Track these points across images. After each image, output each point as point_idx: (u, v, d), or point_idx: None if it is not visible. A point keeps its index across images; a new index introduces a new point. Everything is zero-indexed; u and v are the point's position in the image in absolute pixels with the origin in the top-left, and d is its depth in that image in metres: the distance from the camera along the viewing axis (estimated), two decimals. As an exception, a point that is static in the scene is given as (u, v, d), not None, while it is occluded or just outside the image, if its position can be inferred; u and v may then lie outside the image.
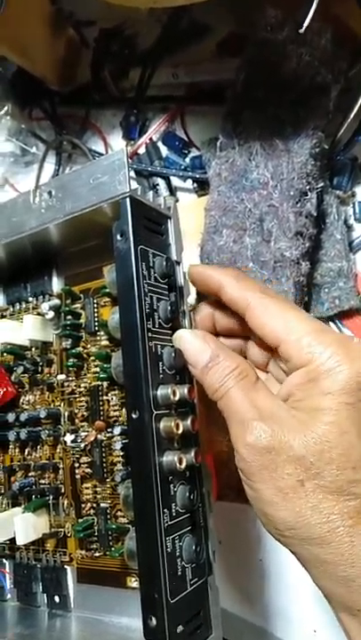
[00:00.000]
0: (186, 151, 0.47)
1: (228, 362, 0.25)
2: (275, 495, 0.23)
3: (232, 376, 0.25)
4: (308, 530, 0.22)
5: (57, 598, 0.32)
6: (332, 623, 0.36)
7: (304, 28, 0.26)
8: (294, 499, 0.22)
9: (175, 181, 0.47)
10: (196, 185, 0.45)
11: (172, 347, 0.27)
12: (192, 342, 0.27)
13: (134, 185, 0.27)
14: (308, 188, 0.34)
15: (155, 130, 0.48)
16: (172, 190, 0.46)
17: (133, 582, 0.30)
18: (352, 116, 0.37)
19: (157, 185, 0.47)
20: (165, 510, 0.24)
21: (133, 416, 0.25)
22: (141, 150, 0.48)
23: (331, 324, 0.38)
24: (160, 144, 0.48)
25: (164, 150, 0.48)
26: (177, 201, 0.46)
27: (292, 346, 0.24)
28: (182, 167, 0.46)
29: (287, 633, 0.37)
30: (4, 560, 0.35)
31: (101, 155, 0.50)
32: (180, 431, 0.25)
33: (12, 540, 0.33)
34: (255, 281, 0.27)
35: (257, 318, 0.26)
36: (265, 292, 0.26)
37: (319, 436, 0.22)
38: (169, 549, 0.24)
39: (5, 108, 0.55)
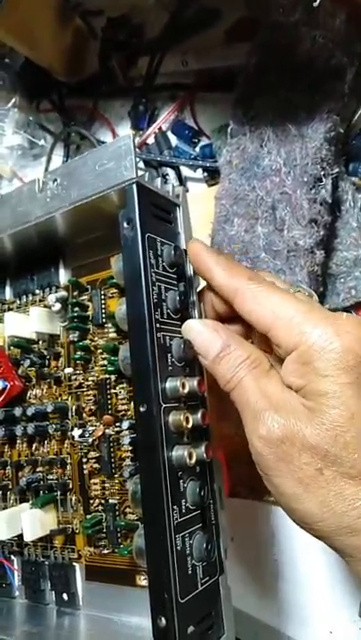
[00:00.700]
0: (196, 140, 0.46)
1: (239, 351, 0.25)
2: (296, 487, 0.22)
3: (244, 365, 0.24)
4: (336, 519, 0.21)
5: (65, 596, 0.32)
6: (349, 624, 0.35)
7: (318, 2, 0.24)
8: (316, 489, 0.22)
9: (185, 171, 0.46)
10: (206, 174, 0.44)
11: (182, 338, 0.26)
12: (202, 332, 0.26)
13: (141, 171, 0.26)
14: (322, 173, 0.33)
15: (164, 119, 0.47)
16: (182, 180, 0.46)
17: (143, 580, 0.29)
18: (368, 99, 0.35)
19: (167, 175, 0.46)
20: (175, 507, 0.24)
21: (141, 409, 0.24)
22: (150, 140, 0.47)
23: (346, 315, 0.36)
24: (169, 133, 0.47)
25: (173, 140, 0.47)
26: (187, 190, 0.45)
27: (280, 330, 0.24)
28: (192, 156, 0.45)
29: (303, 634, 0.36)
30: (12, 556, 0.35)
31: (109, 146, 0.50)
32: (189, 425, 0.24)
33: (20, 537, 0.32)
34: (244, 268, 0.26)
35: (245, 306, 0.25)
36: (253, 279, 0.25)
37: (329, 421, 0.22)
38: (179, 547, 0.23)
39: (13, 101, 0.54)
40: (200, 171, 0.45)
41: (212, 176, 0.44)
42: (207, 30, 0.46)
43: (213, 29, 0.45)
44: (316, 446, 0.22)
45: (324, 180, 0.33)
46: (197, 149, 0.45)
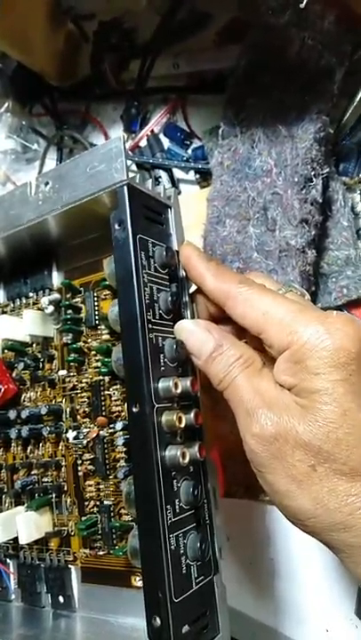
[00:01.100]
0: (188, 142, 0.46)
1: (232, 350, 0.25)
2: (289, 484, 0.22)
3: (237, 364, 0.24)
4: (329, 516, 0.21)
5: (61, 598, 0.32)
6: (345, 622, 0.35)
7: (304, 3, 0.25)
8: (309, 485, 0.22)
9: (177, 173, 0.46)
10: (198, 176, 0.44)
11: (174, 338, 0.26)
12: (194, 332, 0.26)
13: (132, 173, 0.27)
14: (312, 173, 0.33)
15: (156, 122, 0.47)
16: (175, 182, 0.46)
17: (138, 581, 0.29)
18: (357, 99, 0.36)
19: (160, 177, 0.46)
20: (168, 507, 0.24)
21: (134, 410, 0.24)
22: (143, 143, 0.48)
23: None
24: (162, 136, 0.47)
25: (165, 142, 0.47)
26: (179, 193, 0.45)
27: (272, 331, 0.24)
28: (184, 158, 0.45)
29: (299, 633, 0.36)
30: (8, 560, 0.35)
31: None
32: (182, 425, 0.25)
33: (16, 540, 0.32)
34: (234, 272, 0.27)
35: (236, 310, 0.25)
36: (243, 283, 0.26)
37: (322, 418, 0.22)
38: (173, 547, 0.23)
39: (6, 105, 0.55)
40: (192, 173, 0.45)
41: (205, 178, 0.44)
42: (198, 33, 0.46)
43: (204, 32, 0.46)
44: (309, 443, 0.22)
45: (314, 180, 0.33)
46: (190, 151, 0.46)
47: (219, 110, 0.43)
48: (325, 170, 0.34)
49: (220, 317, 0.29)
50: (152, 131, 0.47)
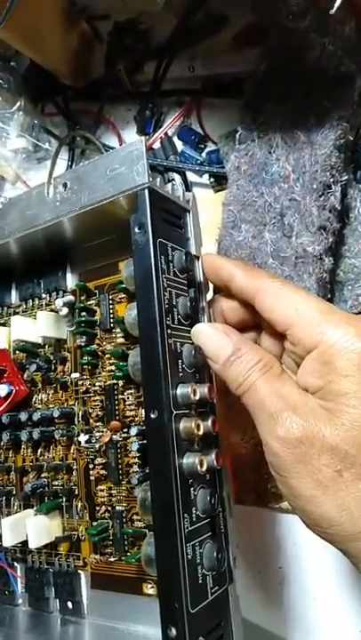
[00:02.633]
0: (202, 145, 0.46)
1: (251, 354, 0.25)
2: (313, 489, 0.22)
3: (256, 369, 0.24)
4: (354, 524, 0.21)
5: (70, 604, 0.31)
6: (354, 633, 0.34)
7: (335, 8, 0.24)
8: (335, 491, 0.21)
9: (191, 177, 0.46)
10: (212, 180, 0.44)
11: (192, 344, 0.26)
12: (212, 336, 0.26)
13: (152, 176, 0.26)
14: (331, 180, 0.33)
15: (170, 124, 0.47)
16: (188, 185, 0.45)
17: (150, 589, 0.28)
18: (377, 107, 0.35)
19: (173, 180, 0.46)
20: (186, 515, 0.23)
21: (152, 416, 0.24)
22: (156, 145, 0.47)
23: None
24: (175, 139, 0.47)
25: (179, 145, 0.47)
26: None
27: (301, 328, 0.24)
28: (198, 162, 0.45)
29: (307, 643, 0.36)
30: (16, 563, 0.34)
31: (115, 150, 0.49)
32: (200, 432, 0.24)
33: (24, 543, 0.32)
34: (263, 270, 0.27)
35: (266, 303, 0.25)
36: (274, 278, 0.26)
37: (350, 421, 0.21)
38: (189, 556, 0.23)
39: (18, 104, 0.54)
40: (206, 176, 0.45)
41: (219, 182, 0.44)
42: (214, 36, 0.46)
43: (221, 35, 0.45)
44: (336, 447, 0.21)
45: (333, 187, 0.33)
46: (204, 155, 0.45)
47: (234, 114, 0.43)
48: (344, 177, 0.34)
49: (237, 325, 0.29)
50: (166, 133, 0.47)
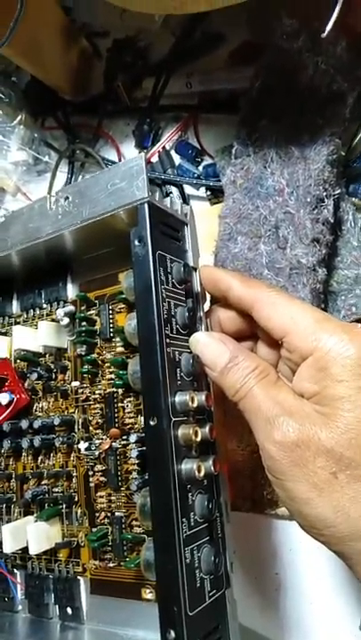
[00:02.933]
0: (199, 159, 0.47)
1: (247, 362, 0.25)
2: (309, 491, 0.22)
3: (253, 375, 0.25)
4: (349, 525, 0.22)
5: (69, 610, 0.32)
6: (350, 637, 0.35)
7: (326, 32, 0.26)
8: (330, 492, 0.22)
9: (188, 190, 0.47)
10: (209, 193, 0.45)
11: (190, 353, 0.27)
12: (210, 345, 0.27)
13: (151, 191, 0.27)
14: (324, 194, 0.34)
15: (168, 138, 0.48)
16: (186, 198, 0.46)
17: (148, 594, 0.29)
18: (368, 123, 0.37)
19: (171, 193, 0.47)
20: (184, 520, 0.24)
21: (151, 423, 0.24)
22: (154, 159, 0.48)
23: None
24: (173, 152, 0.48)
25: (176, 159, 0.48)
26: (190, 209, 0.46)
27: (297, 336, 0.24)
28: (195, 175, 0.46)
29: (304, 648, 0.36)
30: (15, 570, 0.35)
31: (114, 163, 0.51)
32: (198, 439, 0.25)
33: (24, 550, 0.33)
34: (260, 280, 0.28)
35: (263, 312, 0.26)
36: (271, 287, 0.27)
37: (344, 424, 0.22)
38: (188, 560, 0.24)
39: (19, 118, 0.55)
40: (203, 189, 0.46)
41: (216, 195, 0.45)
42: (211, 54, 0.47)
43: (217, 53, 0.47)
44: (331, 450, 0.22)
45: (326, 200, 0.34)
46: (200, 168, 0.46)
47: (230, 129, 0.44)
48: (337, 191, 0.35)
49: (234, 335, 0.30)
50: (164, 147, 0.48)
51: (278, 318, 0.25)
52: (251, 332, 0.29)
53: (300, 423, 0.23)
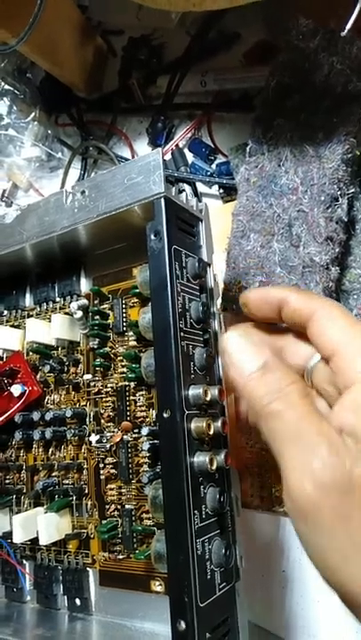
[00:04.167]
0: (212, 158, 0.47)
1: (285, 375, 0.22)
2: (348, 549, 0.18)
3: (290, 390, 0.21)
4: None
5: (78, 601, 0.32)
6: (355, 636, 0.35)
7: (346, 31, 0.26)
8: None
9: (201, 188, 0.47)
10: (222, 191, 0.45)
11: (204, 347, 0.27)
12: (242, 344, 0.23)
13: (168, 186, 0.28)
14: (339, 193, 0.34)
15: (181, 136, 0.48)
16: (198, 196, 0.47)
17: (157, 586, 0.29)
18: (383, 123, 0.37)
19: (183, 191, 0.47)
20: (196, 512, 0.24)
21: (165, 415, 0.25)
22: (167, 157, 0.49)
23: (358, 330, 0.37)
24: (186, 150, 0.48)
25: (189, 157, 0.48)
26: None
27: (345, 359, 0.22)
28: (208, 173, 0.46)
29: (309, 646, 0.36)
30: (25, 561, 0.35)
31: (127, 160, 0.51)
32: (211, 432, 0.25)
33: (33, 541, 0.33)
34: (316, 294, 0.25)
35: (320, 324, 0.23)
36: (333, 303, 0.24)
37: None
38: (199, 552, 0.24)
39: (33, 114, 0.56)
40: (215, 187, 0.46)
41: (228, 193, 0.45)
42: (226, 53, 0.47)
43: (232, 52, 0.47)
44: None
45: (340, 199, 0.34)
46: (213, 166, 0.47)
47: (244, 128, 0.44)
48: (351, 190, 0.35)
49: None
50: (177, 145, 0.48)
51: (332, 335, 0.23)
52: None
53: (348, 459, 0.19)
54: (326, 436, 0.20)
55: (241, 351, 0.23)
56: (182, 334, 0.26)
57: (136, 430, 0.31)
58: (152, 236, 0.27)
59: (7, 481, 0.36)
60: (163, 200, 0.27)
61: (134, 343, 0.32)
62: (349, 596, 0.19)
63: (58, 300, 0.36)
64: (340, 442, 0.20)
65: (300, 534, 0.20)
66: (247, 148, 0.39)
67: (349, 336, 0.22)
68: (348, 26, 0.26)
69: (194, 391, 0.25)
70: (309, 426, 0.20)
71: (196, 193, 0.47)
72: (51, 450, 0.35)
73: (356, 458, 0.19)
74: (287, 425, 0.20)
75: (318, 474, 0.19)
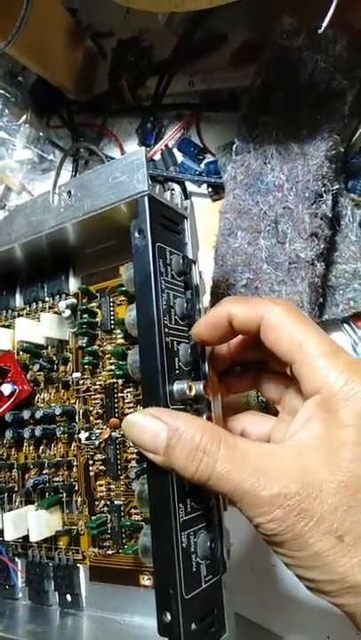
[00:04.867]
0: (201, 157, 0.47)
1: (191, 430, 0.22)
2: (315, 561, 0.20)
3: (206, 446, 0.21)
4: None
5: (69, 597, 0.32)
6: (346, 630, 0.35)
7: (323, 28, 0.26)
8: (336, 559, 0.20)
9: (190, 187, 0.47)
10: (210, 190, 0.46)
11: (188, 343, 0.27)
12: (143, 423, 0.23)
13: (152, 185, 0.28)
14: (323, 189, 0.34)
15: (170, 136, 0.49)
16: (187, 195, 0.47)
17: (146, 580, 0.29)
18: (367, 120, 0.37)
19: (173, 190, 0.47)
20: (181, 505, 0.24)
21: (149, 410, 0.25)
22: (157, 157, 0.49)
23: (345, 325, 0.38)
24: (175, 150, 0.49)
25: (179, 157, 0.49)
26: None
27: (305, 367, 0.23)
28: (197, 172, 0.46)
29: (301, 639, 0.36)
30: (16, 558, 0.35)
31: (117, 161, 0.51)
32: (195, 426, 0.25)
33: (24, 539, 0.33)
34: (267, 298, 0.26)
35: (270, 334, 0.24)
36: (276, 303, 0.24)
37: (347, 477, 0.20)
38: (184, 544, 0.24)
39: (24, 117, 0.56)
40: (205, 186, 0.47)
41: (217, 191, 0.45)
42: (214, 53, 0.48)
43: (219, 52, 0.48)
44: (335, 510, 0.20)
45: (324, 195, 0.35)
46: (202, 166, 0.47)
47: (232, 127, 0.45)
48: (335, 186, 0.35)
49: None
50: (166, 145, 0.49)
51: (286, 343, 0.23)
52: (257, 359, 0.28)
53: (297, 484, 0.20)
54: (262, 471, 0.21)
55: (144, 434, 0.23)
56: (167, 330, 0.26)
57: (124, 426, 0.31)
58: (136, 234, 0.27)
59: (-1, 479, 0.37)
60: (146, 198, 0.27)
61: (122, 341, 0.32)
62: (332, 599, 0.22)
63: (47, 299, 0.36)
64: (277, 466, 0.21)
65: (279, 556, 0.22)
66: (234, 147, 0.40)
67: (303, 344, 0.23)
68: (325, 24, 0.26)
69: (178, 386, 0.26)
70: (241, 473, 0.21)
71: (185, 192, 0.47)
72: (41, 448, 0.35)
73: (306, 472, 0.21)
74: (223, 482, 0.21)
75: (271, 513, 0.20)
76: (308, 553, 0.20)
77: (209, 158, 0.47)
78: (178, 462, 0.22)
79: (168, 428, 0.22)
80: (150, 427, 0.22)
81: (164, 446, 0.22)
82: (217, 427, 0.23)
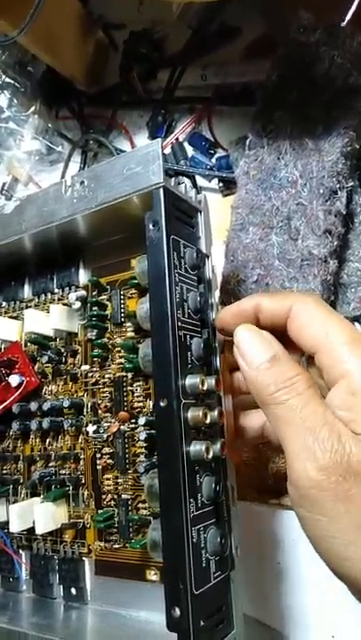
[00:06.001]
0: (212, 151, 0.47)
1: (293, 367, 0.23)
2: (350, 533, 0.19)
3: (297, 380, 0.22)
4: None
5: (73, 590, 0.32)
6: (351, 628, 0.35)
7: (346, 21, 0.26)
8: None
9: (200, 181, 0.47)
10: (221, 184, 0.45)
11: (201, 337, 0.27)
12: (254, 337, 0.24)
13: (166, 177, 0.28)
14: (338, 186, 0.34)
15: (181, 130, 0.49)
16: (198, 190, 0.47)
17: (153, 575, 0.29)
18: (383, 117, 0.37)
19: (183, 184, 0.47)
20: (191, 500, 0.24)
21: (161, 404, 0.25)
22: (167, 150, 0.49)
23: (356, 324, 0.37)
24: (186, 144, 0.48)
25: (189, 150, 0.48)
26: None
27: (328, 355, 0.23)
28: (208, 167, 0.46)
29: (305, 638, 0.36)
30: (21, 550, 0.35)
31: (127, 154, 0.51)
32: (207, 421, 0.25)
33: (29, 531, 0.33)
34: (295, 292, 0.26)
35: (297, 322, 0.24)
36: (307, 295, 0.25)
37: None
38: (194, 540, 0.24)
39: (33, 108, 0.56)
40: (215, 181, 0.46)
41: (228, 186, 0.45)
42: (227, 47, 0.47)
43: (233, 46, 0.47)
44: None
45: (339, 192, 0.34)
46: (213, 160, 0.47)
47: (244, 121, 0.44)
48: (350, 183, 0.35)
49: None
50: (177, 139, 0.48)
51: (312, 331, 0.24)
52: None
53: (355, 446, 0.20)
54: (329, 422, 0.21)
55: (251, 343, 0.24)
56: (180, 324, 0.26)
57: (133, 420, 0.31)
58: (150, 226, 0.27)
59: (4, 471, 0.36)
60: (162, 190, 0.27)
61: (132, 334, 0.32)
62: (357, 582, 0.20)
63: (56, 291, 0.36)
64: (341, 427, 0.21)
65: (304, 523, 0.21)
66: (247, 142, 0.39)
67: (329, 332, 0.23)
68: (348, 16, 0.26)
69: (191, 380, 0.25)
70: (313, 413, 0.21)
71: (195, 186, 0.47)
72: (48, 440, 0.35)
73: (356, 442, 0.20)
74: (292, 412, 0.22)
75: (320, 457, 0.20)
76: (346, 523, 0.20)
77: (220, 153, 0.47)
78: (264, 380, 0.23)
79: (276, 353, 0.23)
80: (260, 341, 0.24)
81: (261, 361, 0.23)
82: (313, 381, 0.23)
